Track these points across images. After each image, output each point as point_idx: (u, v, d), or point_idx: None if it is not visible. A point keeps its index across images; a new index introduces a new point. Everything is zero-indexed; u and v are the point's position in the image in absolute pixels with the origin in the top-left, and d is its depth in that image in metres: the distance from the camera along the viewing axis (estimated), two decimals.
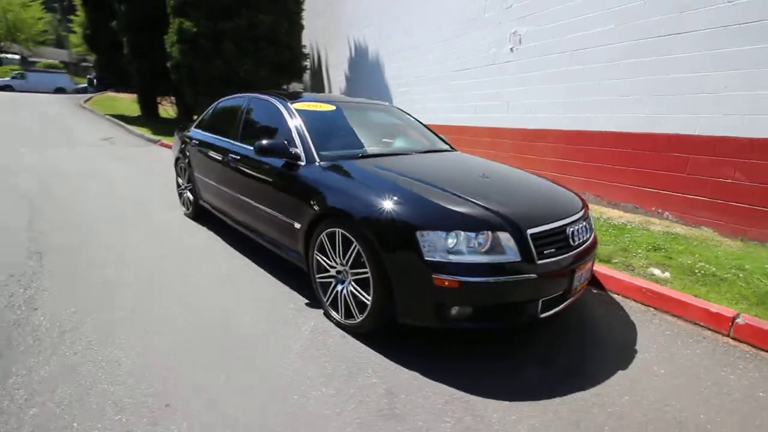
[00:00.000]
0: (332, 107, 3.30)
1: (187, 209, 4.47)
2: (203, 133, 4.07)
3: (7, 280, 2.75)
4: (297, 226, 2.60)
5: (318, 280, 2.50)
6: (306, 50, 14.87)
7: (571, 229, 2.18)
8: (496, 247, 1.94)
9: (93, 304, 2.56)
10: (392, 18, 9.64)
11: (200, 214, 4.32)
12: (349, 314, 2.31)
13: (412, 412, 1.75)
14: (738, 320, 2.34)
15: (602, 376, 2.02)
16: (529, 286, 1.94)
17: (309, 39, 15.28)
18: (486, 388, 1.89)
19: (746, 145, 3.60)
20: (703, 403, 1.87)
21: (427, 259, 1.90)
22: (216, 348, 2.15)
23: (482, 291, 1.90)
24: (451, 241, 1.92)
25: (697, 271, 3.03)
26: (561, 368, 2.08)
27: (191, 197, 4.32)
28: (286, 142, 2.76)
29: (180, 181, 4.60)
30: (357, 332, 2.29)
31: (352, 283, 2.25)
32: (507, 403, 1.82)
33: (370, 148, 3.04)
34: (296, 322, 2.43)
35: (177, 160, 4.59)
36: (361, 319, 2.21)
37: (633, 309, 2.73)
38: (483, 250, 1.93)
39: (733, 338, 2.35)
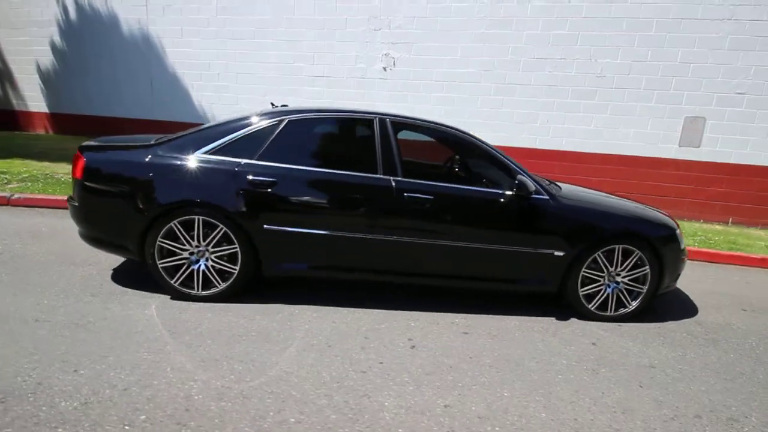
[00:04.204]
0: None
1: (200, 288, 2.71)
2: (296, 167, 2.69)
3: None
4: (558, 254, 2.83)
5: (584, 292, 2.92)
6: None
7: None
8: None
9: None
10: None
11: (243, 287, 2.81)
12: (618, 307, 2.98)
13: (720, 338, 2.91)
14: None
15: None
16: None
17: None
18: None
19: (562, 154, 6.55)
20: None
21: (681, 247, 3.02)
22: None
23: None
24: (678, 232, 3.12)
25: None
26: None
27: (230, 266, 2.69)
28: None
29: (184, 247, 2.62)
30: (622, 320, 2.99)
31: (625, 282, 2.95)
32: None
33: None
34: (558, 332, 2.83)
35: (170, 211, 2.58)
36: (634, 306, 2.96)
37: None
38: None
39: None
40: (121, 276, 3.02)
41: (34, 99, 9.26)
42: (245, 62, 7.66)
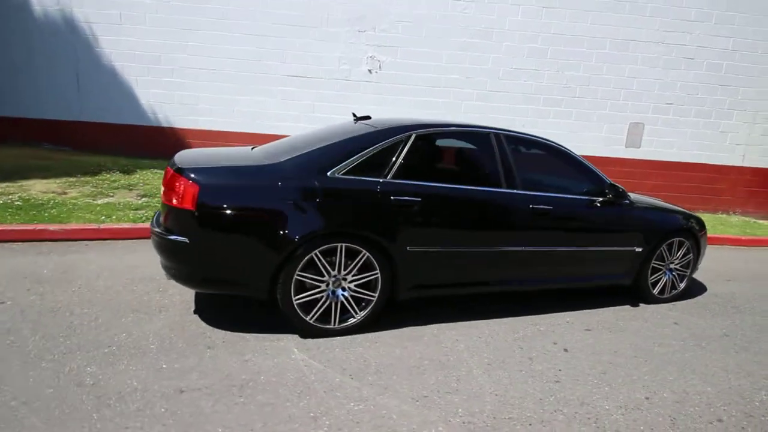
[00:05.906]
0: None
1: (337, 322, 2.49)
2: (436, 184, 2.61)
3: None
4: (638, 250, 3.25)
5: (651, 281, 3.39)
6: None
7: None
8: None
9: None
10: None
11: (379, 315, 2.66)
12: (672, 290, 3.51)
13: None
14: None
15: None
16: None
17: None
18: None
19: None
20: None
21: (707, 236, 3.72)
22: None
23: None
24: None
25: None
26: None
27: (369, 293, 2.51)
28: None
29: (322, 278, 2.34)
30: (673, 300, 3.53)
31: (677, 268, 3.51)
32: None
33: None
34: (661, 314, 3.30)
35: (311, 240, 2.28)
36: (682, 287, 3.53)
37: None
38: None
39: None
40: (216, 319, 2.55)
41: None
42: (204, 57, 6.82)
